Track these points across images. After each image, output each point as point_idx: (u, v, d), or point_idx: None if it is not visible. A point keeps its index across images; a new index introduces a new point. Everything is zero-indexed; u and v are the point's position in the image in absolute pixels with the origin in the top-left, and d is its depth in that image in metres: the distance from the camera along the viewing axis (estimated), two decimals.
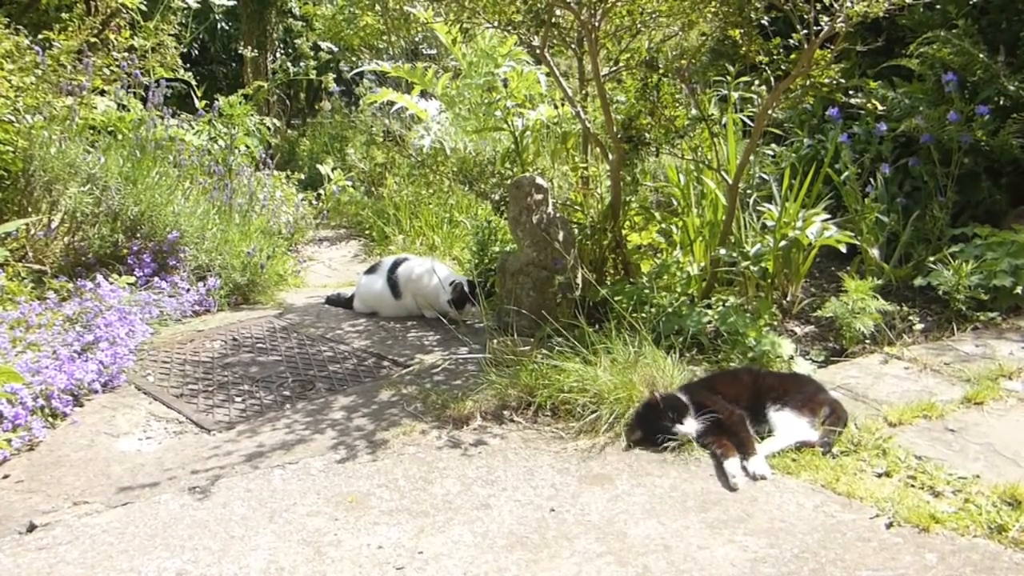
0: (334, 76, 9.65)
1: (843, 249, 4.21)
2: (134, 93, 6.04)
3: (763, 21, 3.83)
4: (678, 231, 4.45)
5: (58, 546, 2.44)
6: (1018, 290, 3.91)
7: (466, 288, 4.40)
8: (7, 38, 5.05)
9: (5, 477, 2.89)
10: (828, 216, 4.22)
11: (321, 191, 7.49)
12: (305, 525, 2.52)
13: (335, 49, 10.25)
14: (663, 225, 4.43)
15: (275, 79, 9.27)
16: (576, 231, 4.23)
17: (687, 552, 2.30)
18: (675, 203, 4.64)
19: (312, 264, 6.30)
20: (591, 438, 2.99)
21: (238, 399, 3.58)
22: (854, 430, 2.92)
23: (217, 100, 6.57)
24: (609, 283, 4.14)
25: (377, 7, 9.43)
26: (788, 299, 4.21)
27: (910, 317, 3.96)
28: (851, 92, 4.95)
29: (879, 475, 2.67)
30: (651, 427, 2.89)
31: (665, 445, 2.88)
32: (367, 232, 6.99)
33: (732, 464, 2.74)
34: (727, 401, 2.95)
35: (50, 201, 4.92)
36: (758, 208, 4.53)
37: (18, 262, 4.64)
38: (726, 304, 3.99)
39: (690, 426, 2.87)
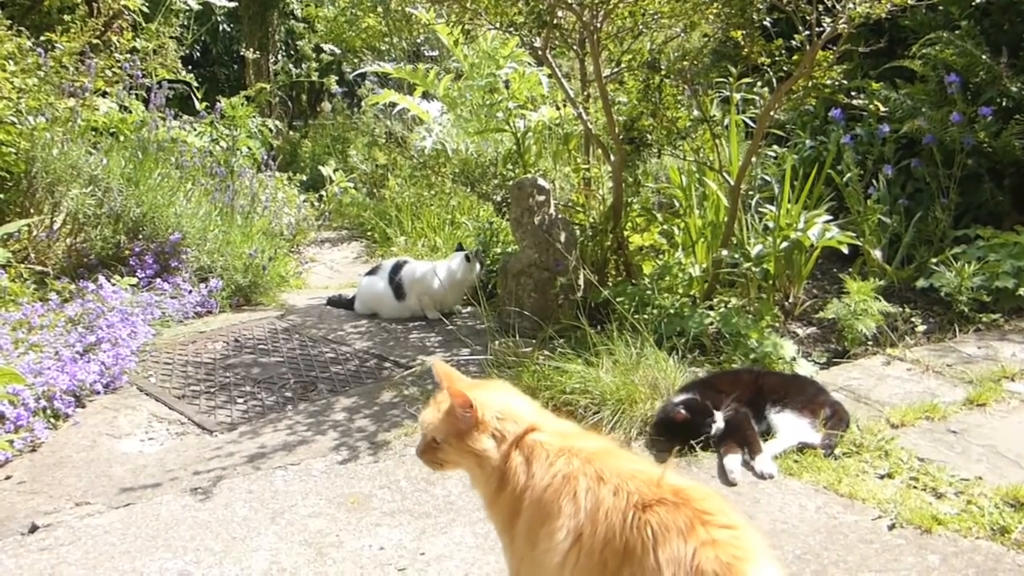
0: (336, 78, 9.66)
1: (845, 250, 4.20)
2: (136, 95, 6.04)
3: (765, 22, 3.83)
4: (680, 232, 4.45)
5: (60, 547, 2.44)
6: (1020, 291, 3.91)
7: (472, 254, 4.56)
8: (9, 40, 5.05)
9: (7, 478, 2.89)
10: (830, 217, 4.22)
11: (323, 192, 7.50)
12: (307, 526, 2.52)
13: (337, 51, 10.25)
14: (665, 226, 4.43)
15: (277, 81, 9.28)
16: (578, 232, 4.23)
17: None
18: (677, 204, 4.64)
19: (314, 265, 6.31)
20: None
21: (240, 400, 3.58)
22: (856, 432, 2.92)
23: (219, 102, 6.57)
24: (611, 284, 4.14)
25: (379, 9, 9.45)
26: (790, 300, 4.20)
27: (912, 319, 3.95)
28: (853, 93, 4.94)
29: (881, 477, 2.66)
30: (686, 435, 2.88)
31: (668, 448, 2.88)
32: (369, 233, 7.00)
33: (731, 460, 2.74)
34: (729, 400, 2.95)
35: (52, 202, 4.93)
36: (760, 209, 4.52)
37: (20, 263, 4.64)
38: (728, 305, 3.99)
39: (720, 422, 2.87)
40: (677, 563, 1.33)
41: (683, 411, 2.87)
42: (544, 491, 1.57)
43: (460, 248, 4.67)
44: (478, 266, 4.53)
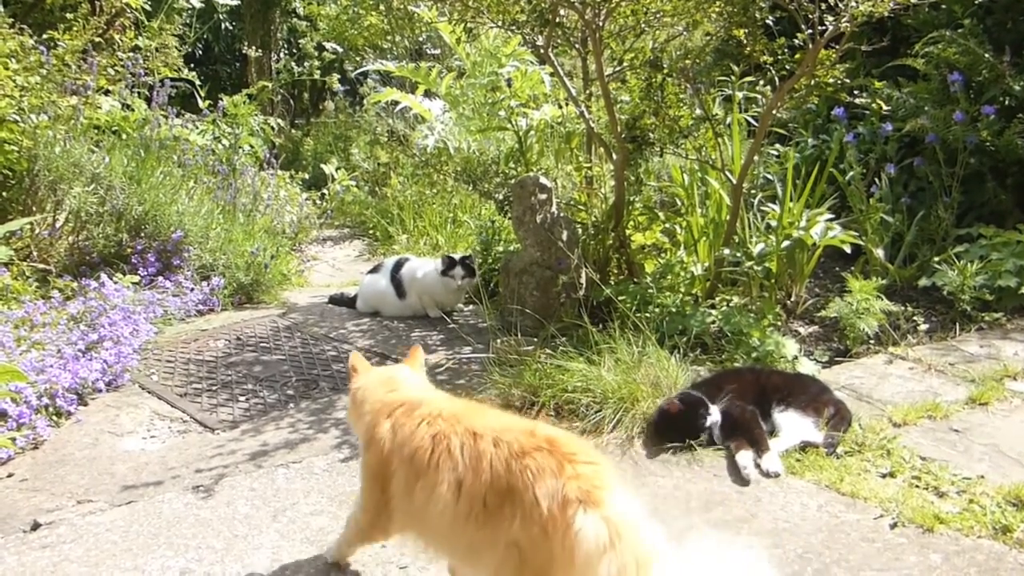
0: (338, 76, 9.66)
1: (847, 249, 4.20)
2: (138, 93, 6.05)
3: (768, 21, 3.83)
4: (682, 231, 4.45)
5: (62, 544, 2.44)
6: (1023, 290, 3.90)
7: (457, 258, 4.47)
8: (12, 37, 5.06)
9: (10, 476, 2.89)
10: (832, 216, 4.21)
11: (325, 191, 7.50)
12: (309, 524, 2.52)
13: (339, 49, 10.25)
14: (667, 225, 4.42)
15: (279, 79, 9.28)
16: (580, 231, 4.23)
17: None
18: (679, 203, 4.64)
19: (316, 264, 6.31)
20: (595, 438, 2.98)
21: (242, 398, 3.58)
22: (858, 430, 2.92)
23: (221, 100, 6.57)
24: (613, 283, 4.14)
25: (381, 7, 9.45)
26: (792, 299, 4.20)
27: (914, 317, 3.95)
28: (856, 92, 4.94)
29: (883, 475, 2.66)
30: (683, 431, 2.88)
31: (669, 446, 2.88)
32: (371, 232, 7.00)
33: (744, 456, 2.73)
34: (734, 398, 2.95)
35: (55, 200, 4.93)
36: (762, 208, 4.52)
37: (23, 261, 4.65)
38: (730, 304, 3.98)
39: (716, 414, 2.88)
40: (551, 495, 1.62)
41: (678, 402, 2.88)
42: (415, 452, 1.86)
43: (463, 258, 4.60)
44: (460, 271, 4.47)
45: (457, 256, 4.51)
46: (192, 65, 7.84)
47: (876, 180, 4.70)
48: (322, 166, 8.03)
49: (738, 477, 2.69)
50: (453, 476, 1.76)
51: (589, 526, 1.57)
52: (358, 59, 10.16)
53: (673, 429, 2.89)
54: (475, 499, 1.72)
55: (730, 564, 1.59)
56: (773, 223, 4.21)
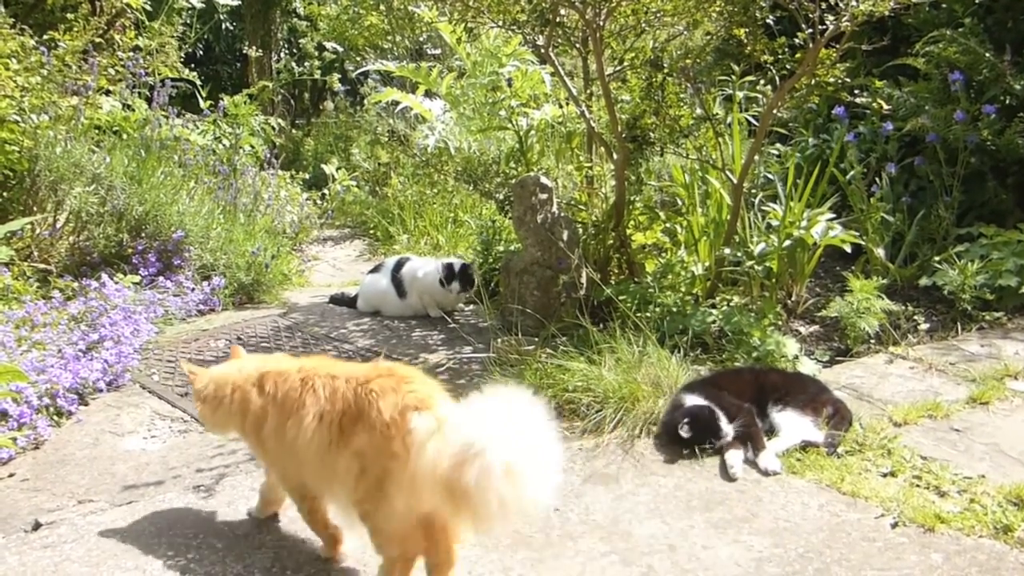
0: (339, 76, 9.66)
1: (848, 249, 4.20)
2: (139, 93, 6.04)
3: (768, 20, 3.83)
4: (682, 230, 4.44)
5: (63, 544, 2.44)
6: (1023, 289, 3.90)
7: (456, 269, 4.45)
8: (12, 38, 5.06)
9: (11, 476, 2.89)
10: (833, 216, 4.21)
11: (326, 191, 7.50)
12: None
13: (340, 49, 10.25)
14: (667, 224, 4.42)
15: (280, 79, 9.28)
16: (580, 230, 4.23)
17: (691, 552, 2.30)
18: (680, 202, 4.64)
19: (316, 263, 6.31)
20: (595, 437, 2.98)
21: None
22: (859, 430, 2.92)
23: (222, 100, 6.57)
24: (613, 282, 4.14)
25: (381, 7, 9.45)
26: (793, 299, 4.20)
27: (915, 317, 3.95)
28: (856, 91, 4.94)
29: (884, 475, 2.66)
30: (691, 446, 2.85)
31: (670, 445, 2.88)
32: (371, 232, 7.00)
33: (733, 456, 2.73)
34: (732, 398, 2.95)
35: (55, 200, 4.93)
36: (763, 207, 4.52)
37: (23, 261, 4.65)
38: (730, 304, 3.98)
39: (729, 435, 2.84)
40: (394, 406, 1.97)
41: (687, 429, 2.81)
42: (286, 396, 2.17)
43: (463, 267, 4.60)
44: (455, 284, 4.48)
45: (457, 265, 4.48)
46: (193, 65, 7.83)
47: (877, 179, 4.70)
48: (323, 166, 8.03)
49: (724, 474, 2.70)
50: (316, 409, 2.09)
51: (422, 422, 1.92)
52: (358, 59, 10.15)
53: (680, 441, 2.86)
54: (333, 426, 2.05)
55: (509, 410, 1.82)
56: (774, 223, 4.21)
